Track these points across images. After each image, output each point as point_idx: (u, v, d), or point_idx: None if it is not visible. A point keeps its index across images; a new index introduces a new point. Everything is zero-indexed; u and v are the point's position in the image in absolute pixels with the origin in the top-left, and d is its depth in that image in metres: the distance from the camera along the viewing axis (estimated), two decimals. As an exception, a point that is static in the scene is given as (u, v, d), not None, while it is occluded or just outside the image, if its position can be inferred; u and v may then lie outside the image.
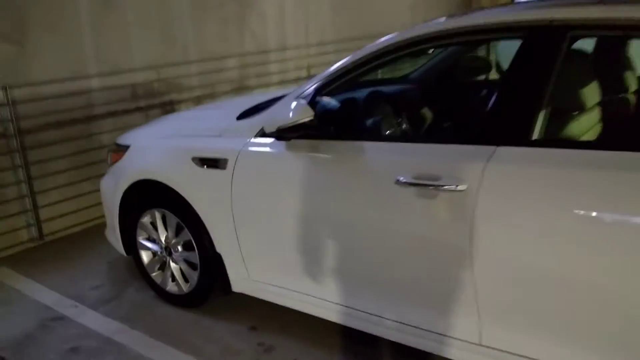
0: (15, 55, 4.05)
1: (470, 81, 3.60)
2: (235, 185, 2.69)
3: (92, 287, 3.53)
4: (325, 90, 2.56)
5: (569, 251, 1.85)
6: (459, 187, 2.02)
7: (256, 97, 3.60)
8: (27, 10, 4.05)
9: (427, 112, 3.25)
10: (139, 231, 3.27)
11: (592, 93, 2.25)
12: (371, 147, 2.34)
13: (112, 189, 3.31)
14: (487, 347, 2.11)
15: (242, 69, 5.81)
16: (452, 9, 8.39)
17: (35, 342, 2.94)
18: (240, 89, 5.80)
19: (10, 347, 2.91)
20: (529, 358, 2.01)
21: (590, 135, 2.23)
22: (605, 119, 2.32)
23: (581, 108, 2.19)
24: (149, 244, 3.26)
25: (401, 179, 2.14)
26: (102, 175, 3.59)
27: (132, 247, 3.35)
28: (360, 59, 2.45)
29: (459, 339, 2.19)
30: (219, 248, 2.86)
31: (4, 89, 3.95)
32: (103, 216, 3.62)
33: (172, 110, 5.13)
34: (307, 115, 2.35)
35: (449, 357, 2.24)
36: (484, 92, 3.27)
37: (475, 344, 2.14)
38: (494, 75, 3.61)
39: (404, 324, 2.33)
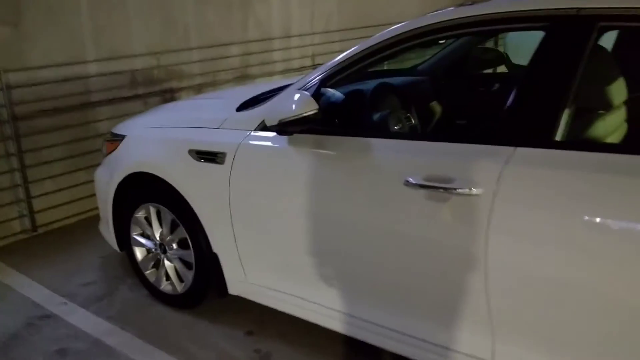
0: (10, 38, 3.89)
1: (486, 74, 3.42)
2: (233, 182, 2.53)
3: (84, 283, 3.39)
4: (330, 81, 2.40)
5: (597, 265, 1.68)
6: (474, 191, 1.86)
7: (258, 86, 3.43)
8: (22, -9, 3.89)
9: (438, 108, 3.07)
10: (132, 226, 3.12)
11: (621, 90, 2.07)
12: (379, 145, 2.17)
13: (106, 180, 3.16)
14: (501, 364, 1.95)
15: (245, 57, 5.64)
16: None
17: (20, 343, 2.80)
18: (243, 77, 5.64)
19: (-6, 348, 2.78)
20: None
21: (619, 137, 2.05)
22: (637, 119, 2.14)
23: (609, 107, 2.01)
24: (143, 240, 3.11)
25: (410, 180, 1.98)
26: (98, 164, 3.44)
27: (126, 243, 3.21)
28: (368, 48, 2.28)
29: (469, 355, 2.02)
30: (215, 247, 2.70)
31: (-2, 72, 3.79)
32: (98, 208, 3.47)
33: (172, 99, 4.98)
34: (311, 109, 2.18)
35: (457, 372, 2.08)
36: (502, 86, 3.09)
37: (486, 360, 1.98)
38: (504, 68, 3.44)
39: (409, 335, 2.18)
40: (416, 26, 2.17)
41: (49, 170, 4.23)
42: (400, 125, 2.77)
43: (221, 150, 2.57)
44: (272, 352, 2.62)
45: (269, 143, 2.45)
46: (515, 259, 1.82)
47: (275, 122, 2.27)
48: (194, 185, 2.69)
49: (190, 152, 2.67)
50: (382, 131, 2.56)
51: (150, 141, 2.95)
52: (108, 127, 3.78)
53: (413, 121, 2.89)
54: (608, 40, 2.47)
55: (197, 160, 2.64)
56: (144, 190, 2.98)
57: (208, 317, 2.93)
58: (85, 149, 4.40)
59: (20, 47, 3.95)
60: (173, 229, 2.91)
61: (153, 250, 3.06)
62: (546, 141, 1.81)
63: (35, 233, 4.17)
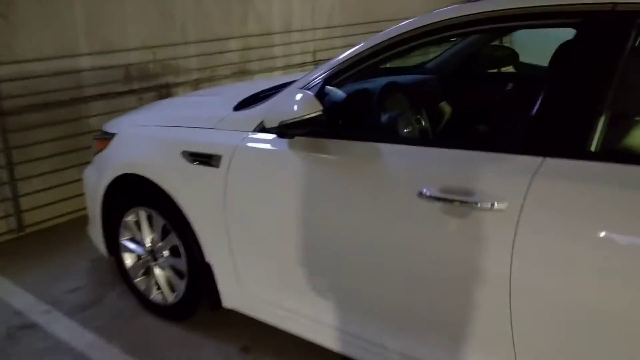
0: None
1: (502, 73, 3.21)
2: (229, 187, 2.34)
3: (71, 289, 3.19)
4: (335, 80, 2.20)
5: (636, 292, 1.49)
6: (497, 206, 1.66)
7: (258, 83, 3.24)
8: (12, -20, 3.70)
9: (450, 109, 2.87)
10: (122, 231, 2.92)
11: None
12: (390, 150, 1.98)
13: (95, 181, 2.96)
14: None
15: (244, 52, 5.45)
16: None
17: (-2, 356, 2.61)
18: (242, 73, 5.44)
19: (-32, 363, 2.60)
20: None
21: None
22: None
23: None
24: (132, 246, 2.91)
25: (425, 191, 1.79)
26: (89, 162, 3.23)
27: (116, 248, 3.01)
28: (377, 45, 2.08)
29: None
30: (208, 256, 2.51)
31: (-15, 65, 3.60)
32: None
33: (168, 94, 4.78)
34: (315, 110, 1.98)
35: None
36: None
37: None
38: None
39: None
40: (431, 22, 1.97)
41: (38, 167, 4.04)
42: (410, 127, 2.57)
43: (216, 153, 2.37)
44: (269, 372, 2.44)
45: (268, 146, 2.26)
46: (543, 281, 1.63)
47: (275, 124, 2.07)
48: (187, 189, 2.50)
49: (184, 153, 2.48)
50: (392, 135, 2.37)
51: (142, 141, 2.76)
52: (100, 123, 3.59)
53: (423, 123, 2.70)
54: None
55: (191, 162, 2.45)
56: (134, 192, 2.79)
57: (201, 330, 2.74)
58: (76, 145, 4.20)
59: (9, 39, 3.76)
60: (164, 235, 2.72)
61: (143, 256, 2.87)
62: (579, 151, 1.62)
63: (22, 233, 3.97)
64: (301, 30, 6.05)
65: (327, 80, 2.19)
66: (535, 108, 1.72)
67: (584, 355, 1.61)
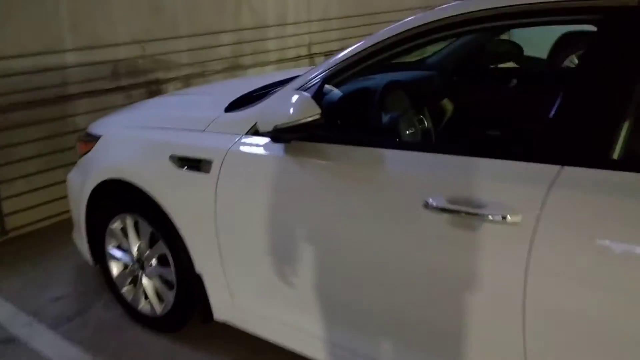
0: (-20, 25, 3.54)
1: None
2: (220, 193, 2.20)
3: (54, 298, 3.04)
4: (334, 81, 2.05)
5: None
6: (510, 219, 1.52)
7: (252, 79, 3.09)
8: (-7, -29, 3.53)
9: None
10: (108, 238, 2.77)
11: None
12: (393, 157, 1.84)
13: (79, 186, 2.81)
14: None
15: (237, 46, 5.28)
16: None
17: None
18: (235, 67, 5.28)
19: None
20: None
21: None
22: None
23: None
24: (119, 254, 2.77)
25: (431, 201, 1.65)
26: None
27: (101, 255, 2.86)
28: (379, 43, 1.93)
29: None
30: (198, 267, 2.36)
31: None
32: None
33: (158, 90, 4.62)
34: (313, 114, 1.84)
35: None
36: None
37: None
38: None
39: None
40: (438, 18, 1.83)
41: (22, 168, 3.88)
42: (413, 129, 2.43)
43: (206, 157, 2.23)
44: (263, 389, 2.30)
45: (261, 150, 2.12)
46: (561, 302, 1.49)
47: (269, 128, 1.93)
48: (175, 196, 2.36)
49: (172, 158, 2.33)
50: (395, 140, 2.23)
51: (127, 144, 2.61)
52: (87, 122, 3.45)
53: (426, 123, 2.55)
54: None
55: (179, 167, 2.30)
56: (120, 198, 2.64)
57: (191, 343, 2.59)
58: (62, 145, 4.03)
59: (-9, 34, 3.60)
60: (152, 243, 2.58)
61: (130, 265, 2.72)
62: (601, 159, 1.48)
63: (5, 237, 3.81)
64: (296, 23, 5.89)
65: (326, 80, 2.04)
66: (552, 112, 1.58)
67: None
